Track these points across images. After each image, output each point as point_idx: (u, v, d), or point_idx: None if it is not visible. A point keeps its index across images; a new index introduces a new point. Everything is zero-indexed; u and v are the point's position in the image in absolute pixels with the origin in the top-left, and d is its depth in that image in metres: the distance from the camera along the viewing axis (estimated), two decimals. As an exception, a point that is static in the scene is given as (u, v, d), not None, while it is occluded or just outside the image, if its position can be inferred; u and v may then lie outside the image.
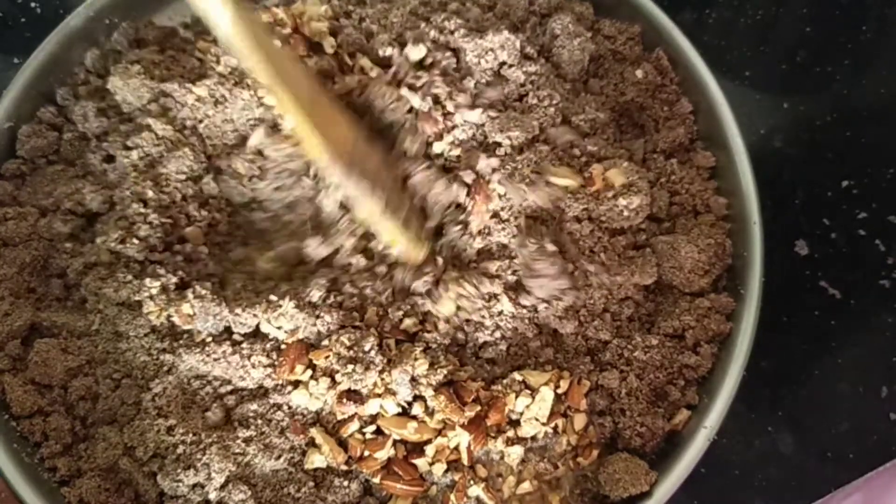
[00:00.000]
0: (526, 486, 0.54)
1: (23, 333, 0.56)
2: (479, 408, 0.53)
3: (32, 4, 0.74)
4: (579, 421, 0.54)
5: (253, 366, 0.55)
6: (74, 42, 0.64)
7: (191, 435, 0.53)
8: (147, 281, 0.55)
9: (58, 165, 0.62)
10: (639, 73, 0.63)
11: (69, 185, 0.60)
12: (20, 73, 0.62)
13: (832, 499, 0.54)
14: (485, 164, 0.57)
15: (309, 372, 0.54)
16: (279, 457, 0.54)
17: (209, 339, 0.55)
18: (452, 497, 0.53)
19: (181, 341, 0.55)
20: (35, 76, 0.62)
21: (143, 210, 0.57)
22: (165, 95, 0.60)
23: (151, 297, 0.55)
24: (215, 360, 0.55)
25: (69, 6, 0.62)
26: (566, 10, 0.64)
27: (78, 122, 0.62)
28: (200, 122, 0.60)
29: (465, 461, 0.53)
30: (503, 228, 0.57)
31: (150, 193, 0.57)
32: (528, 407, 0.54)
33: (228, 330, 0.56)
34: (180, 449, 0.53)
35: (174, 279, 0.56)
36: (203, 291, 0.55)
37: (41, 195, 0.60)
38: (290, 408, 0.55)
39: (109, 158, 0.61)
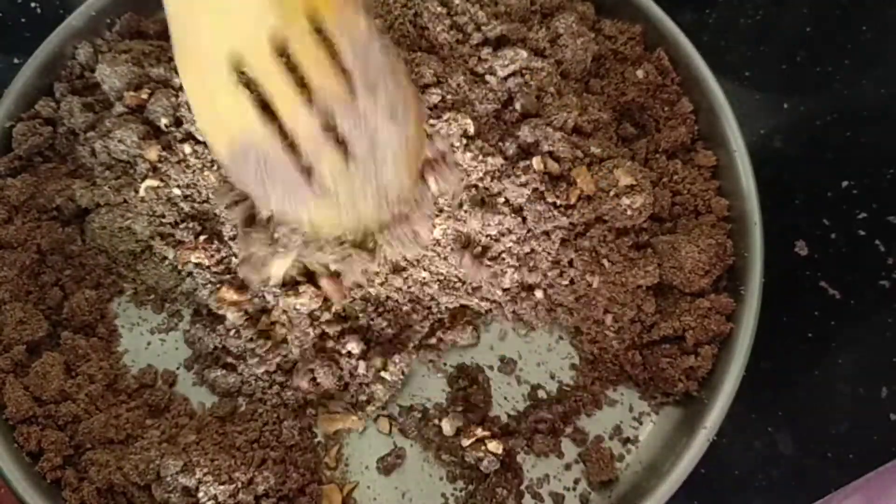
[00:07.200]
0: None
1: (34, 346, 0.56)
2: None
3: (32, 4, 0.74)
4: None
5: None
6: (76, 42, 0.63)
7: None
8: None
9: (51, 162, 0.62)
10: (640, 73, 0.63)
11: (60, 181, 0.60)
12: (21, 72, 0.62)
13: (832, 499, 0.54)
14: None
15: None
16: None
17: None
18: None
19: None
20: (36, 76, 0.62)
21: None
22: (151, 80, 0.60)
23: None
24: None
25: (69, 6, 0.62)
26: (568, 9, 0.64)
27: (64, 117, 0.61)
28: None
29: None
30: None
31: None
32: None
33: None
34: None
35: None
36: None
37: (37, 194, 0.60)
38: None
39: (95, 153, 0.60)
